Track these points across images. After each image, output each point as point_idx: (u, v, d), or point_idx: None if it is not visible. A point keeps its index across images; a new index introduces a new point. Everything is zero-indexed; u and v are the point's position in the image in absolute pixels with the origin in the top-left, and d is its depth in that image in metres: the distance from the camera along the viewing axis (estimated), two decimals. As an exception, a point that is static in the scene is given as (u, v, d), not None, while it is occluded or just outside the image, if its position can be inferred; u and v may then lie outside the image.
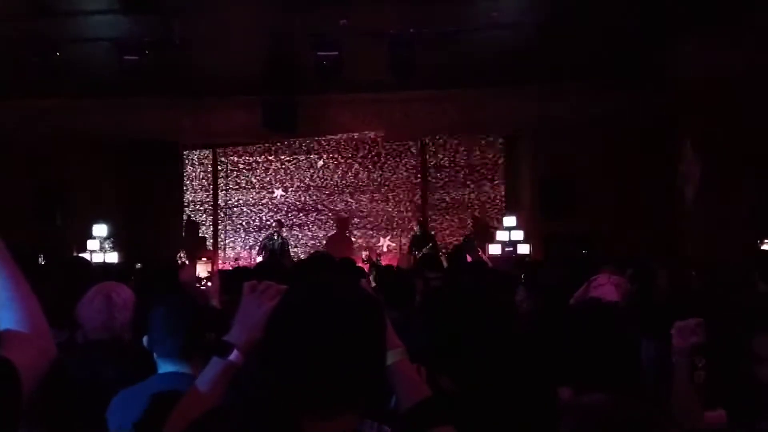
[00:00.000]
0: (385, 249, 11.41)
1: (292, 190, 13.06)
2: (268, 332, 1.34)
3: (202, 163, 13.39)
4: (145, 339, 2.08)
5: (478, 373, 2.02)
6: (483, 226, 12.56)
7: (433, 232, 12.14)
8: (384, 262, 10.85)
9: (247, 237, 13.06)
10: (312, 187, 13.05)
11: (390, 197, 12.99)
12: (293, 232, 12.79)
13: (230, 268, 8.49)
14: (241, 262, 11.65)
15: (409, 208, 12.94)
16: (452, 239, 12.55)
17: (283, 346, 1.27)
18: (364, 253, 11.55)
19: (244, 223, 13.16)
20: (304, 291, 1.36)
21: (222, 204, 13.31)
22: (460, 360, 2.12)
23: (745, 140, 8.97)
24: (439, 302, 2.30)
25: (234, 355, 1.55)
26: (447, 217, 12.93)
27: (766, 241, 8.80)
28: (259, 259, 11.35)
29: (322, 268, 3.64)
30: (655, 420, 1.23)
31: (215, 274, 6.98)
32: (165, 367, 2.03)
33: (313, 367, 1.24)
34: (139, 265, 8.74)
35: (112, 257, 11.11)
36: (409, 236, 11.99)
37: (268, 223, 12.70)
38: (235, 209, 13.25)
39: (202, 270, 10.75)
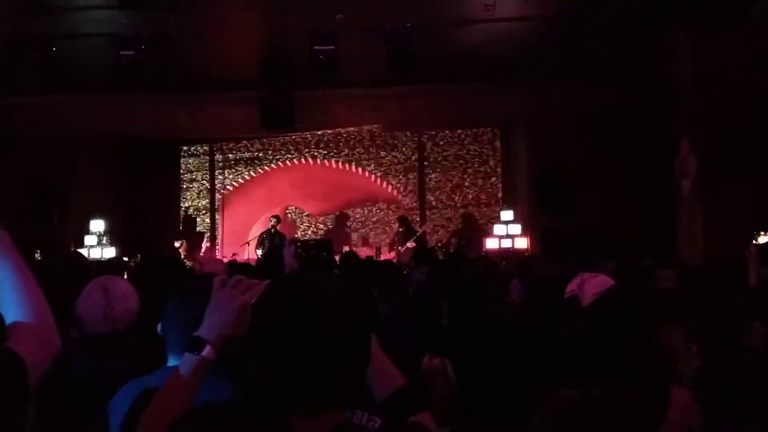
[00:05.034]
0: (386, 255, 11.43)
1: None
2: (251, 329, 1.32)
3: (200, 159, 13.43)
4: (159, 326, 2.08)
5: (481, 365, 2.03)
6: (471, 222, 12.60)
7: (415, 227, 12.18)
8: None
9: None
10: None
11: (387, 191, 13.03)
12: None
13: (236, 262, 8.47)
14: (238, 258, 11.66)
15: (404, 203, 12.98)
16: (448, 234, 12.61)
17: (267, 343, 1.26)
18: (345, 248, 11.52)
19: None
20: (287, 287, 1.35)
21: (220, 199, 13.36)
22: (464, 351, 2.13)
23: (741, 136, 8.99)
24: (434, 296, 2.31)
25: (206, 351, 1.54)
26: (444, 211, 12.96)
27: (762, 234, 8.81)
28: (259, 252, 11.36)
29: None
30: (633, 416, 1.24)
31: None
32: (173, 361, 2.02)
33: (298, 364, 1.22)
34: (132, 261, 8.76)
35: (110, 253, 11.11)
36: (393, 233, 12.05)
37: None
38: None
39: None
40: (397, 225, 11.95)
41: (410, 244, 11.22)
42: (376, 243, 12.56)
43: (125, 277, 4.22)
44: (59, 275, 3.13)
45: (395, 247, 11.58)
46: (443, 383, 2.44)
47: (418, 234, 11.65)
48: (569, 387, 1.80)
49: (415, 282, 4.37)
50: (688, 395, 1.97)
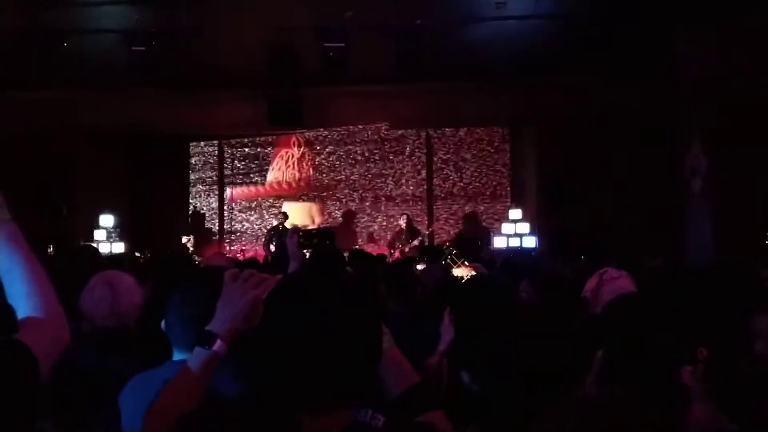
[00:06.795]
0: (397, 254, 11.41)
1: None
2: (260, 326, 1.32)
3: (208, 155, 13.47)
4: (162, 323, 2.09)
5: (496, 367, 2.01)
6: (475, 224, 12.55)
7: (418, 228, 12.13)
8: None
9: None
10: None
11: (394, 189, 13.03)
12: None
13: (244, 258, 8.50)
14: (247, 254, 11.68)
15: (413, 201, 12.96)
16: (455, 232, 12.58)
17: (277, 339, 1.25)
18: (357, 247, 11.50)
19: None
20: (298, 282, 1.34)
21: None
22: (479, 355, 2.11)
23: (751, 134, 8.93)
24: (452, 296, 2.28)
25: (217, 345, 1.54)
26: (452, 209, 12.94)
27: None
28: (272, 248, 11.34)
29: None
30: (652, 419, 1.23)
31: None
32: (179, 355, 2.03)
33: (308, 361, 1.22)
34: (142, 258, 8.80)
35: (119, 247, 11.15)
36: (396, 230, 12.00)
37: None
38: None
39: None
40: (404, 222, 11.85)
41: (416, 243, 11.19)
42: (382, 241, 12.54)
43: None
44: (71, 269, 3.15)
45: (397, 246, 11.48)
46: (435, 382, 2.44)
47: (422, 236, 11.58)
48: (580, 388, 1.79)
49: (433, 279, 4.35)
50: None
